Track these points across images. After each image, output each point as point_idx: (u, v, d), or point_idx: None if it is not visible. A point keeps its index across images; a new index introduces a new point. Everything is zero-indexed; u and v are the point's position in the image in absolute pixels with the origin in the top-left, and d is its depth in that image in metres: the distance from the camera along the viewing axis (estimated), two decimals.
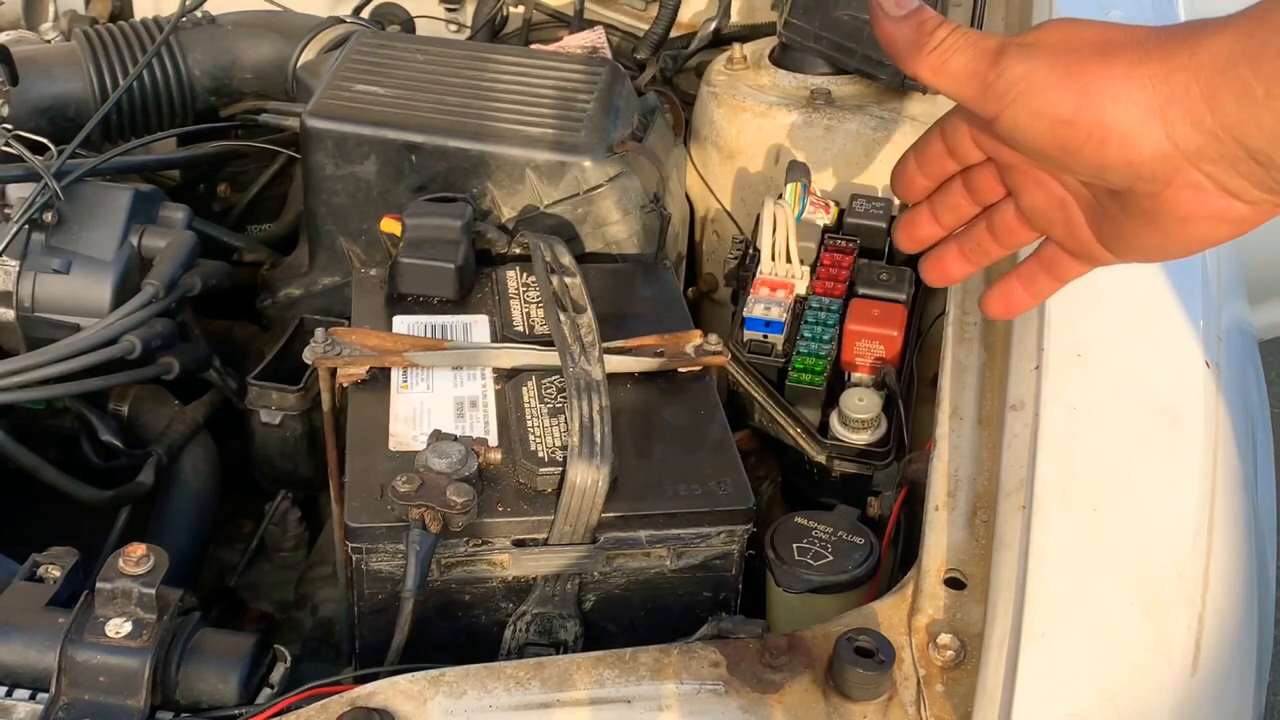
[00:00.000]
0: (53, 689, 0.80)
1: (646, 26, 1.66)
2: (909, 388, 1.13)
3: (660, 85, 1.60)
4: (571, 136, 1.21)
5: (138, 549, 0.83)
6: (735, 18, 1.68)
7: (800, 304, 1.16)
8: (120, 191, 1.23)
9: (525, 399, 0.98)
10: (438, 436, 0.91)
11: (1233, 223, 0.60)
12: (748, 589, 0.95)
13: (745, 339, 1.14)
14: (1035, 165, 0.67)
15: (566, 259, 1.11)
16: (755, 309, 1.14)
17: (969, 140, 0.69)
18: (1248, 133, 0.55)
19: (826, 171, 1.37)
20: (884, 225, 1.22)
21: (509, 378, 1.01)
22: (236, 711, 0.83)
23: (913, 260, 1.12)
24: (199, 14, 1.55)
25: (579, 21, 1.68)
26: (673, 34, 1.66)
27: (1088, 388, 0.89)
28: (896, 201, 1.23)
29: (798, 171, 1.22)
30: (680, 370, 1.04)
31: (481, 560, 0.90)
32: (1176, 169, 0.58)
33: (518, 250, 1.18)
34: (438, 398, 0.98)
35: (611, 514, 0.89)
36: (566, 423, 0.92)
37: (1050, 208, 0.68)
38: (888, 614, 0.83)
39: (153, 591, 0.82)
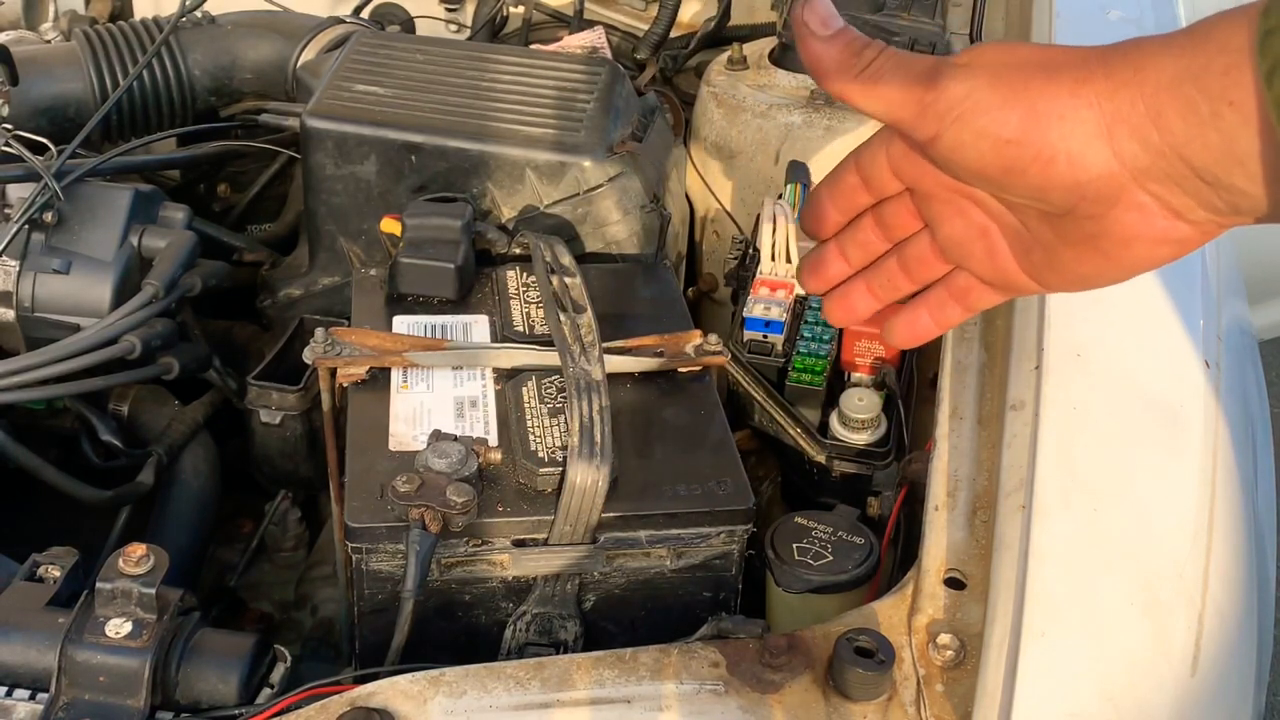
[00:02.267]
0: (53, 689, 0.80)
1: (646, 26, 1.66)
2: (909, 388, 1.13)
3: (660, 85, 1.60)
4: (571, 136, 1.21)
5: (138, 549, 0.83)
6: (735, 18, 1.68)
7: (800, 304, 1.16)
8: (120, 191, 1.23)
9: (525, 399, 0.98)
10: (438, 436, 0.91)
11: (1175, 244, 0.58)
12: (748, 589, 0.95)
13: (745, 339, 1.14)
14: (959, 192, 0.64)
15: (566, 259, 1.11)
16: (755, 309, 1.14)
17: (886, 170, 0.67)
18: (1194, 152, 0.53)
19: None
20: None
21: (509, 378, 1.01)
22: (236, 711, 0.83)
23: None
24: (199, 14, 1.54)
25: (579, 21, 1.68)
26: (673, 34, 1.66)
27: (1088, 388, 0.89)
28: None
29: (798, 171, 1.22)
30: (680, 370, 1.04)
31: (481, 560, 0.90)
32: (1122, 189, 0.56)
33: (518, 250, 1.18)
34: (438, 398, 0.98)
35: (611, 514, 0.89)
36: (566, 423, 0.92)
37: (970, 238, 0.65)
38: (888, 614, 0.83)
39: (153, 591, 0.82)
